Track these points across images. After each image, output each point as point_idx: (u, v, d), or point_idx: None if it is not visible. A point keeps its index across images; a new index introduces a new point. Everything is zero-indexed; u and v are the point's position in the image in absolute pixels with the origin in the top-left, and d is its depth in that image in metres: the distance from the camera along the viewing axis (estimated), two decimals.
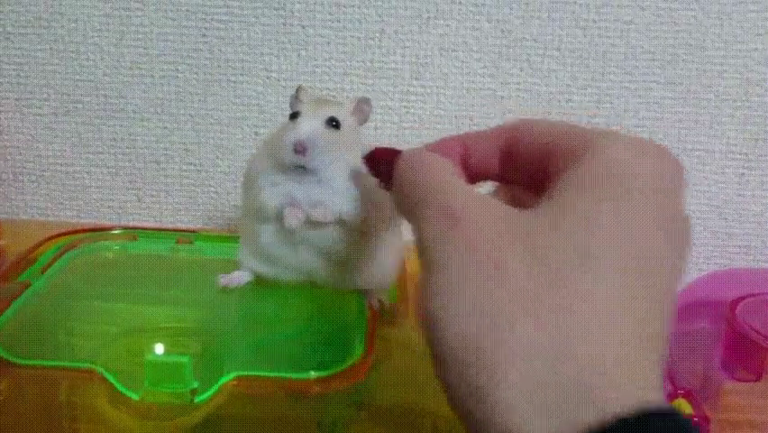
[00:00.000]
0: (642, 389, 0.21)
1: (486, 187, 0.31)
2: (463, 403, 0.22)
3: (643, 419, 0.20)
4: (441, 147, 0.30)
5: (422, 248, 0.25)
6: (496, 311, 0.22)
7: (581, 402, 0.20)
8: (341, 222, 0.41)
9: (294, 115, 0.41)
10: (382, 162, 0.30)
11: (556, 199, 0.24)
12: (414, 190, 0.27)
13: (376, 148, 0.34)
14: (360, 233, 0.42)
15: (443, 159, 0.28)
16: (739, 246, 0.64)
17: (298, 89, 0.43)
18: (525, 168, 0.28)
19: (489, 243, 0.23)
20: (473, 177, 0.30)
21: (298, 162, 0.39)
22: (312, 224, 0.40)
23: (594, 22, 0.58)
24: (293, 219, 0.40)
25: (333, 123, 0.40)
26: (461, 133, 0.30)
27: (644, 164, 0.24)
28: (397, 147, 0.31)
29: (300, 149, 0.39)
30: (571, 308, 0.21)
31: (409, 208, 0.27)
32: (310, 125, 0.39)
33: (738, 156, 0.61)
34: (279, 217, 0.41)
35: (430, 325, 0.23)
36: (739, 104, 0.60)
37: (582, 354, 0.21)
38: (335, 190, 0.40)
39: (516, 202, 0.28)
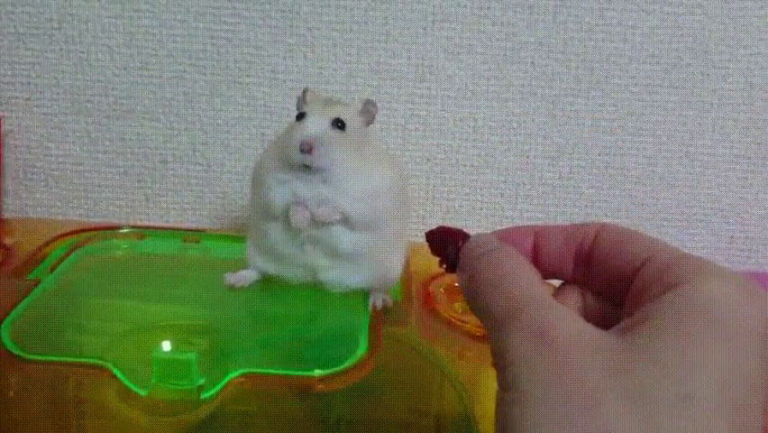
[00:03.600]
0: None
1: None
2: None
3: None
4: (511, 236, 0.28)
5: (503, 363, 0.23)
6: None
7: None
8: (346, 221, 0.41)
9: (300, 116, 0.41)
10: (449, 244, 0.29)
11: (653, 330, 0.23)
12: (498, 297, 0.25)
13: (440, 227, 0.31)
14: (364, 232, 0.42)
15: (525, 259, 0.26)
16: (742, 249, 0.64)
17: (305, 91, 0.43)
18: (604, 276, 0.27)
19: (582, 373, 0.22)
20: (543, 272, 0.28)
21: (304, 162, 0.40)
22: (318, 222, 0.41)
23: (598, 25, 0.58)
24: (299, 218, 0.40)
25: (339, 123, 0.41)
26: (531, 224, 0.29)
27: (750, 306, 0.23)
28: (464, 229, 0.29)
29: (306, 148, 0.39)
30: None
31: (489, 313, 0.25)
32: (316, 125, 0.40)
33: (742, 160, 0.62)
34: (286, 216, 0.41)
35: None
36: (743, 107, 0.60)
37: None
38: (341, 189, 0.41)
39: (587, 307, 0.27)
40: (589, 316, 0.27)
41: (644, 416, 0.21)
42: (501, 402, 0.23)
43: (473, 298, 0.26)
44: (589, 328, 0.23)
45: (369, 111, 0.43)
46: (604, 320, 0.25)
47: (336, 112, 0.41)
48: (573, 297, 0.28)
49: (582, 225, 0.28)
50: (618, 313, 0.26)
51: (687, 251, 0.26)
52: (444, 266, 0.29)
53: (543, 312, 0.24)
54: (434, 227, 0.31)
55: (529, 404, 0.22)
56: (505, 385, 0.23)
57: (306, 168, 0.40)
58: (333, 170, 0.40)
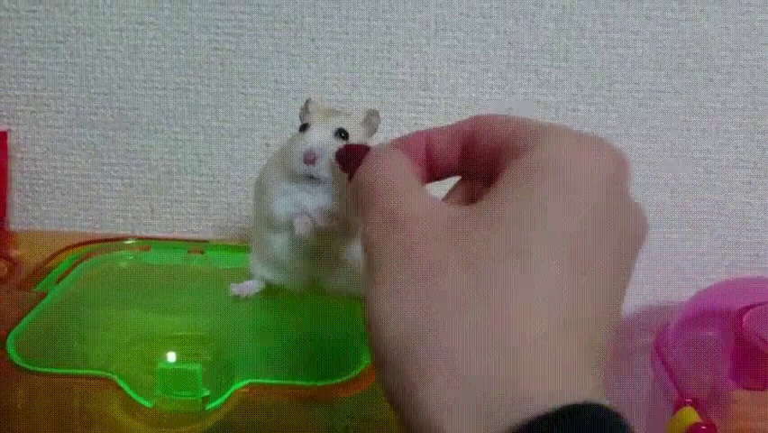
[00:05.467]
0: (567, 380, 0.21)
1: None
2: (397, 404, 0.23)
3: (561, 413, 0.20)
4: (407, 142, 0.30)
5: (365, 248, 0.25)
6: (426, 312, 0.22)
7: (505, 396, 0.20)
8: (350, 231, 0.41)
9: (304, 127, 0.41)
10: (353, 159, 0.30)
11: (494, 194, 0.24)
12: (362, 190, 0.27)
13: (347, 145, 0.35)
14: None
15: (403, 157, 0.28)
16: (747, 255, 0.63)
17: (308, 102, 0.43)
18: (481, 162, 0.28)
19: (425, 245, 0.23)
20: (436, 171, 0.30)
21: (308, 172, 0.40)
22: (321, 232, 0.41)
23: (601, 32, 0.58)
24: (303, 228, 0.40)
25: (342, 134, 0.41)
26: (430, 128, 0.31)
27: (580, 156, 0.25)
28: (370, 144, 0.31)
29: (309, 159, 0.39)
30: (498, 302, 0.22)
31: (359, 207, 0.27)
32: (319, 136, 0.40)
33: (746, 165, 0.61)
34: (290, 226, 0.41)
35: (369, 325, 0.24)
36: (747, 113, 0.60)
37: (507, 346, 0.21)
38: (344, 199, 0.41)
39: (475, 196, 0.28)
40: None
41: (477, 275, 0.22)
42: (363, 283, 0.25)
43: (353, 198, 0.28)
44: (443, 207, 0.25)
45: (371, 121, 0.43)
46: None
47: (339, 122, 0.41)
48: (463, 189, 0.30)
49: (466, 120, 0.29)
50: None
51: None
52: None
53: (396, 198, 0.26)
54: (341, 147, 0.35)
55: (380, 281, 0.24)
56: (366, 266, 0.25)
57: (310, 178, 0.40)
58: (336, 181, 0.40)
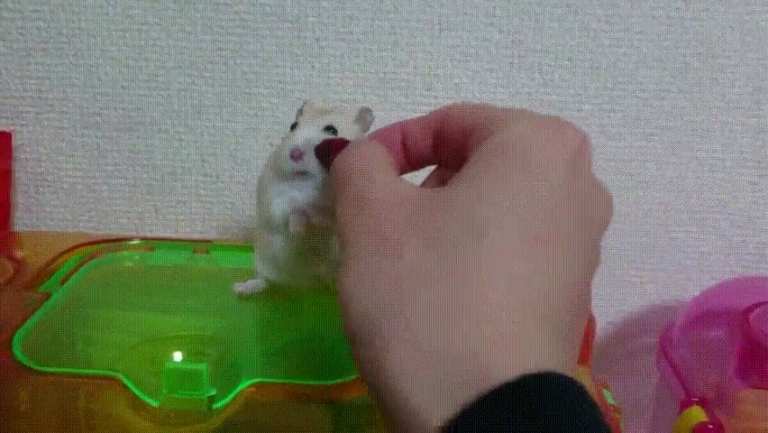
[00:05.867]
0: (527, 358, 0.21)
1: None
2: (366, 377, 0.24)
3: (522, 382, 0.20)
4: (383, 134, 0.31)
5: (337, 231, 0.27)
6: (389, 288, 0.23)
7: (464, 370, 0.21)
8: None
9: (293, 126, 0.41)
10: (332, 153, 0.31)
11: (458, 178, 0.25)
12: (337, 177, 0.29)
13: (326, 139, 0.36)
14: None
15: (378, 147, 0.29)
16: (752, 254, 0.63)
17: (304, 103, 0.43)
18: (451, 149, 0.29)
19: (390, 225, 0.25)
20: (412, 160, 0.31)
21: (296, 169, 0.40)
22: (318, 230, 0.41)
23: (605, 31, 0.58)
24: (297, 224, 0.40)
25: (331, 130, 0.41)
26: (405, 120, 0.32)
27: (542, 137, 0.25)
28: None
29: (296, 155, 0.39)
30: (457, 281, 0.22)
31: (333, 193, 0.29)
32: (306, 132, 0.40)
33: (751, 163, 0.61)
34: (287, 225, 0.41)
35: (340, 302, 0.25)
36: (751, 112, 0.60)
37: (465, 323, 0.22)
38: None
39: (447, 182, 0.29)
40: None
41: (438, 255, 0.23)
42: (337, 260, 0.27)
43: (330, 186, 0.30)
44: (410, 191, 0.26)
45: (364, 118, 0.43)
46: None
47: (330, 119, 0.41)
48: (437, 176, 0.31)
49: (438, 110, 0.30)
50: None
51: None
52: None
53: (366, 182, 0.27)
54: (321, 142, 0.36)
55: (349, 260, 0.25)
56: (339, 246, 0.27)
57: (300, 175, 0.40)
58: (325, 176, 0.40)
